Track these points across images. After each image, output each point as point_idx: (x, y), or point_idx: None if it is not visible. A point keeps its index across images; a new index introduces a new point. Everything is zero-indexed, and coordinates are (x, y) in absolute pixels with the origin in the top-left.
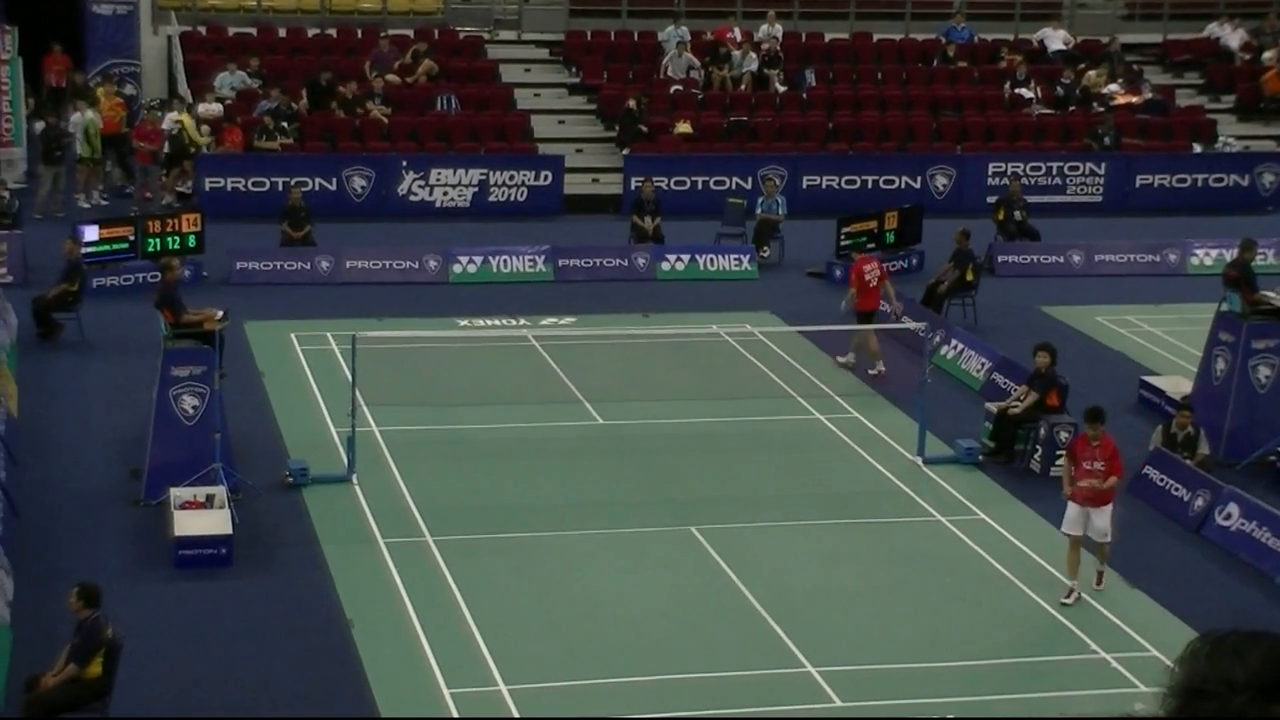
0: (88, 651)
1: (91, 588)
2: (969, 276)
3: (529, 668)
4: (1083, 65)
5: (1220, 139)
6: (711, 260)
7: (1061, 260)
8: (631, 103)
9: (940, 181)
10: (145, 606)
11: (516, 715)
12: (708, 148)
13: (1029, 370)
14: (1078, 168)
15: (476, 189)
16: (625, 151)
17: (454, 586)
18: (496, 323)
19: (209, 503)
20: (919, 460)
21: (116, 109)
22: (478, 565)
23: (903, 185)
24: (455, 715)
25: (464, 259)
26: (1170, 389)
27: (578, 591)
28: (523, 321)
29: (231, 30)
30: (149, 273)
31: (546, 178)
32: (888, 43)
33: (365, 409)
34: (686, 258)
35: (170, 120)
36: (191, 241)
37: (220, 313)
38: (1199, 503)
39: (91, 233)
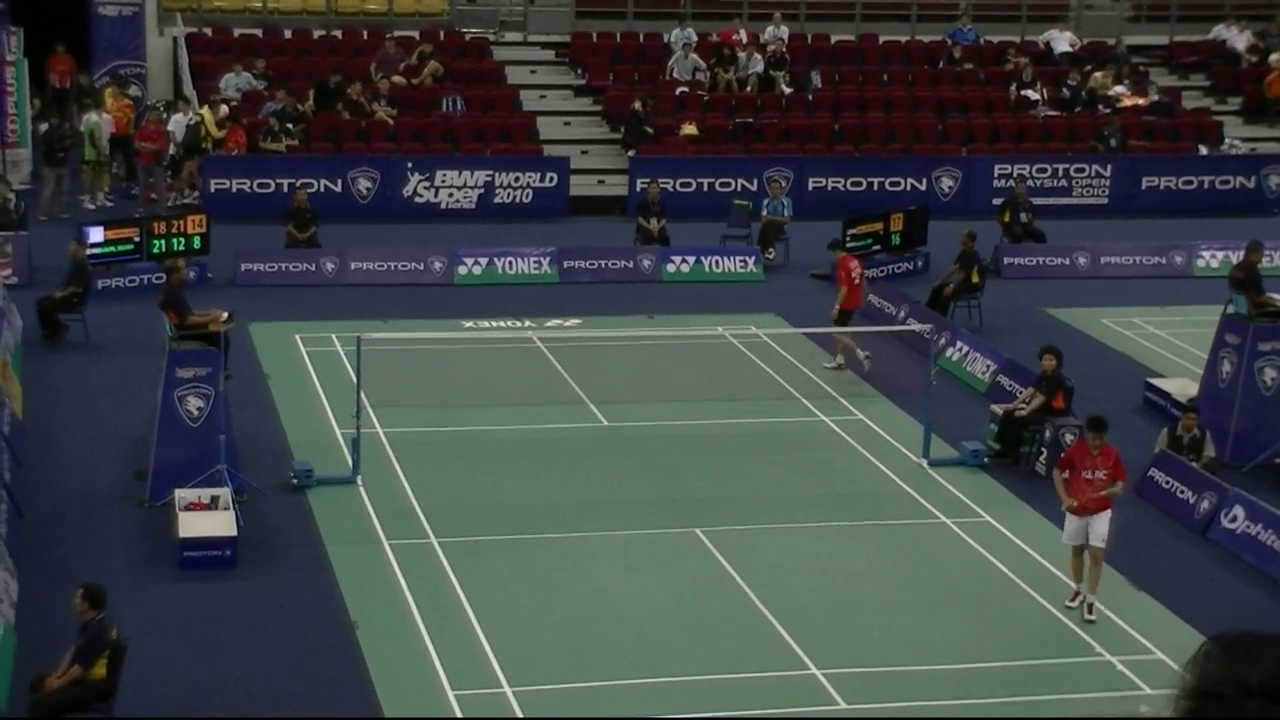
0: (92, 653)
1: (96, 589)
2: (974, 278)
3: (533, 669)
4: (1089, 67)
5: (1226, 141)
6: (717, 262)
7: (1067, 262)
8: (637, 104)
9: (946, 183)
10: (150, 608)
11: (520, 716)
12: (713, 149)
13: (1034, 372)
14: (1083, 169)
15: (482, 190)
16: (630, 153)
17: (458, 588)
18: (501, 324)
19: (214, 504)
20: (924, 462)
21: (124, 110)
22: (482, 566)
23: (908, 187)
24: (459, 716)
25: (469, 260)
26: (1176, 391)
27: (582, 593)
28: (528, 323)
29: (237, 31)
30: (154, 274)
31: (552, 179)
32: (893, 44)
33: (370, 410)
34: (692, 259)
35: (187, 117)
36: (197, 243)
37: (225, 314)
38: (1204, 505)
39: (97, 234)
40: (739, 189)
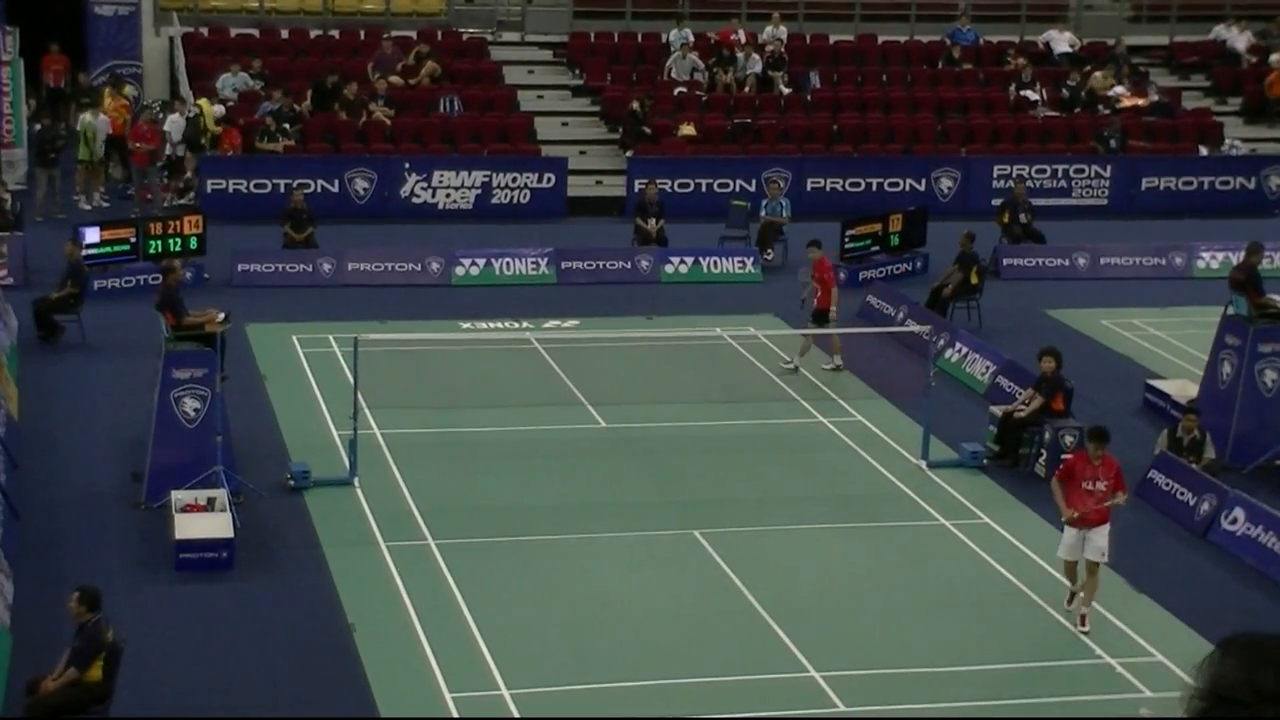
0: (88, 655)
1: (92, 591)
2: (974, 279)
3: (531, 671)
4: (1088, 67)
5: (1226, 141)
6: (715, 263)
7: (1067, 263)
8: (635, 105)
9: (945, 184)
10: (146, 610)
11: (518, 718)
12: (712, 150)
13: (1034, 373)
14: (1083, 170)
15: (479, 191)
16: (628, 153)
17: (456, 589)
18: (499, 325)
19: (210, 506)
20: (923, 464)
21: (122, 111)
22: (480, 568)
23: (907, 188)
24: (457, 718)
25: (467, 261)
26: (1176, 393)
27: (580, 595)
28: (525, 324)
29: (234, 31)
30: (150, 275)
31: (550, 180)
32: (893, 44)
33: (367, 411)
34: (690, 260)
35: (185, 113)
36: (193, 243)
37: (222, 315)
38: (1205, 507)
39: (93, 235)
40: (737, 190)
